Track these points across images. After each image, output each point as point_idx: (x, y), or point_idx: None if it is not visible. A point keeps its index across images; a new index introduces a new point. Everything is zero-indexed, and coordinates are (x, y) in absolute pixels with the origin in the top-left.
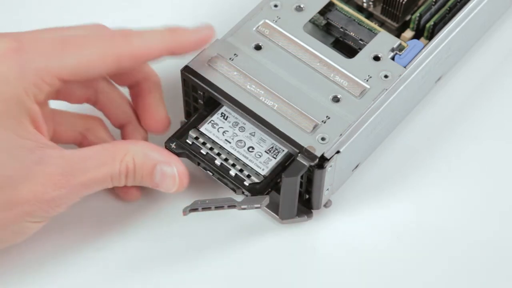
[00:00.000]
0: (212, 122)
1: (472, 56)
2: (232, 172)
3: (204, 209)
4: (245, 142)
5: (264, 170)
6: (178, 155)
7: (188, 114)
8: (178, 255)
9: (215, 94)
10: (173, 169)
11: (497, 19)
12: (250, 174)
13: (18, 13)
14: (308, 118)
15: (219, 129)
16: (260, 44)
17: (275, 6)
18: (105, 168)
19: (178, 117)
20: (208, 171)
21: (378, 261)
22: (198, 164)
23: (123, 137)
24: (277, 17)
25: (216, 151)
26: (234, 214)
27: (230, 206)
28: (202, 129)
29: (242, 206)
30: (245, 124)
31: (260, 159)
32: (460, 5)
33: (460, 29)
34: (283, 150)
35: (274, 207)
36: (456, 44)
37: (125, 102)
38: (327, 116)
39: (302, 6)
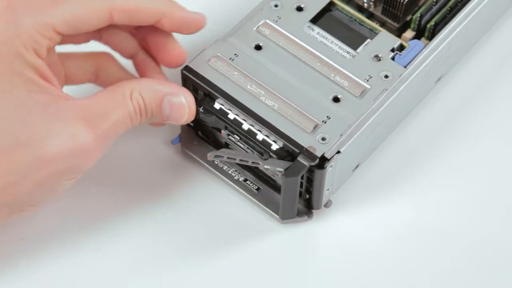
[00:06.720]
0: None
1: (472, 56)
2: (259, 137)
3: (229, 158)
4: None
5: None
6: (206, 118)
7: None
8: (178, 255)
9: (216, 94)
10: (181, 99)
11: (497, 19)
12: (276, 140)
13: None
14: (309, 118)
15: None
16: (260, 44)
17: (276, 6)
18: (122, 109)
19: None
20: (235, 135)
21: (378, 261)
22: (225, 128)
23: (136, 66)
24: (278, 17)
25: (242, 116)
26: (235, 213)
27: (254, 163)
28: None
29: (266, 166)
30: None
31: None
32: (460, 5)
33: (460, 29)
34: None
35: (274, 207)
36: (456, 44)
37: (128, 35)
38: (327, 116)
39: (302, 6)
